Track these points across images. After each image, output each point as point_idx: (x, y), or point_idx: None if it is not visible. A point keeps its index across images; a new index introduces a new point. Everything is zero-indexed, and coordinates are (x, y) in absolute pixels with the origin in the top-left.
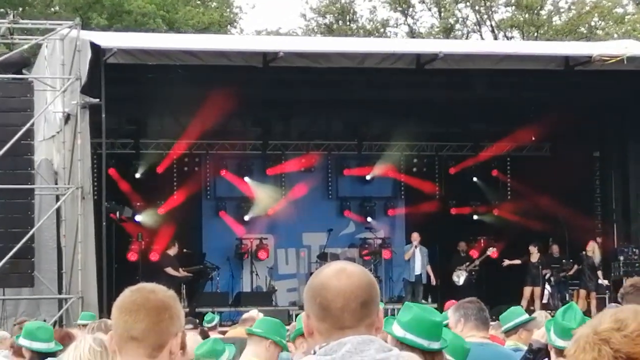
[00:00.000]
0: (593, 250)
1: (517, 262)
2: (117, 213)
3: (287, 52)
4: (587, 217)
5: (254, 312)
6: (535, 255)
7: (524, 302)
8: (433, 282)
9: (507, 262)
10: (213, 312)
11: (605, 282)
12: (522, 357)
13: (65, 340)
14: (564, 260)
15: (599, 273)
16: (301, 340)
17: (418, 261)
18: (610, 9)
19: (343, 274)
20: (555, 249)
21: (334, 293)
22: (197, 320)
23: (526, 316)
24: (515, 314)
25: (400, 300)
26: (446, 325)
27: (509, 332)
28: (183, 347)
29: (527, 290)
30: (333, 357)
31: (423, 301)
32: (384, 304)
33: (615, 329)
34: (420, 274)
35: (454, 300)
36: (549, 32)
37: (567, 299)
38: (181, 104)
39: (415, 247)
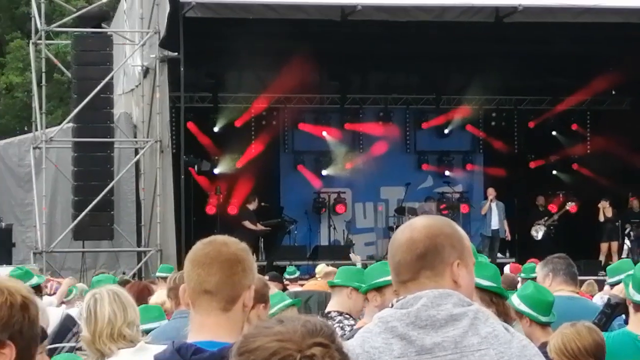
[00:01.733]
0: None
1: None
2: (196, 166)
3: (365, 6)
4: None
5: (320, 267)
6: (608, 210)
7: (602, 258)
8: (508, 237)
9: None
10: (291, 265)
11: None
12: (599, 312)
13: (144, 293)
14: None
15: None
16: (374, 293)
17: (495, 216)
18: None
19: (408, 228)
20: (635, 203)
21: (395, 247)
22: (278, 274)
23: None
24: (621, 269)
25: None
26: (534, 279)
27: (614, 285)
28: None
29: (603, 246)
30: (409, 311)
31: (500, 255)
32: None
33: None
34: (498, 229)
35: (535, 259)
36: None
37: None
38: (259, 58)
39: (491, 201)
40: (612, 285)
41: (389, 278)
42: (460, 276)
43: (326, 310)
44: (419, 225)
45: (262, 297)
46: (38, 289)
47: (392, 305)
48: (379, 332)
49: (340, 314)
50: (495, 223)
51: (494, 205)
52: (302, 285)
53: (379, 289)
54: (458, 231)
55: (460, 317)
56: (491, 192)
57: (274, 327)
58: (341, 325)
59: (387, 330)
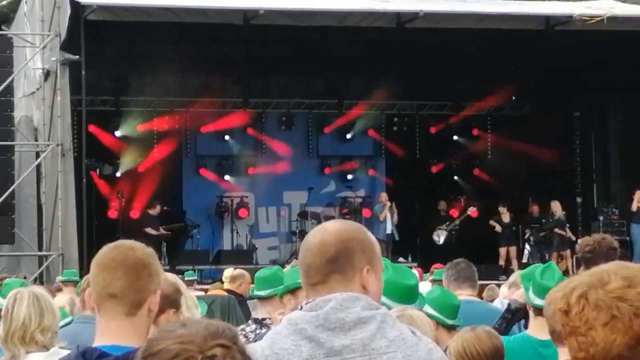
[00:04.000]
0: (557, 209)
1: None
2: (98, 170)
3: (268, 10)
4: (566, 177)
5: (228, 271)
6: (505, 215)
7: (502, 262)
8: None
9: (498, 226)
10: (193, 270)
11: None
12: (500, 317)
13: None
14: (543, 220)
15: (567, 230)
16: (289, 297)
17: (388, 220)
18: None
19: (320, 231)
20: (535, 208)
21: (305, 249)
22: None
23: None
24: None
25: None
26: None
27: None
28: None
29: (502, 251)
30: (318, 313)
31: (402, 259)
32: None
33: (626, 286)
34: (392, 233)
35: (439, 264)
36: None
37: (547, 258)
38: (162, 61)
39: (384, 206)
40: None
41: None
42: (369, 282)
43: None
44: (331, 229)
45: (173, 302)
46: None
47: (301, 308)
48: (288, 334)
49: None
50: (389, 227)
51: (387, 209)
52: (205, 291)
53: (293, 292)
54: (369, 237)
55: (369, 320)
56: (384, 197)
57: (177, 330)
58: None
59: (296, 332)
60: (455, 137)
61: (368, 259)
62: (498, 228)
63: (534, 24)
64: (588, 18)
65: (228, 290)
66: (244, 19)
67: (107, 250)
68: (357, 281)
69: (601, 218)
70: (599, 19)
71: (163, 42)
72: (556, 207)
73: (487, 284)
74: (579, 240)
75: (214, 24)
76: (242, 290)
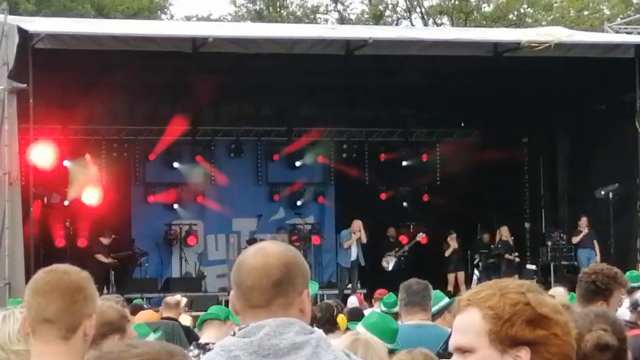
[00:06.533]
0: (505, 234)
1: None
2: (45, 199)
3: (217, 38)
4: (515, 203)
5: (178, 297)
6: (454, 241)
7: (450, 288)
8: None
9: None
10: (141, 298)
11: (533, 267)
12: (444, 341)
13: None
14: (492, 246)
15: (514, 255)
16: (231, 322)
17: (354, 247)
18: None
19: (260, 253)
20: (485, 235)
21: (246, 271)
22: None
23: (447, 299)
24: (437, 299)
25: (331, 286)
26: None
27: (434, 317)
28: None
29: (450, 277)
30: (252, 340)
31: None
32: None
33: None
34: (357, 259)
35: (383, 290)
36: (478, 19)
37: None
38: (110, 89)
39: (352, 233)
40: (433, 316)
41: None
42: (306, 305)
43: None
44: (273, 251)
45: (118, 329)
46: None
47: (234, 334)
48: None
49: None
50: (354, 254)
51: (355, 238)
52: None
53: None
54: (304, 261)
55: (303, 346)
56: (357, 225)
57: (136, 349)
58: None
59: (230, 359)
60: (404, 163)
61: (306, 283)
62: (447, 252)
63: (482, 50)
64: (536, 44)
65: (167, 317)
66: (192, 47)
67: (41, 275)
68: (297, 305)
69: (549, 243)
70: (547, 45)
71: (111, 70)
72: (505, 232)
73: None
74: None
75: (163, 52)
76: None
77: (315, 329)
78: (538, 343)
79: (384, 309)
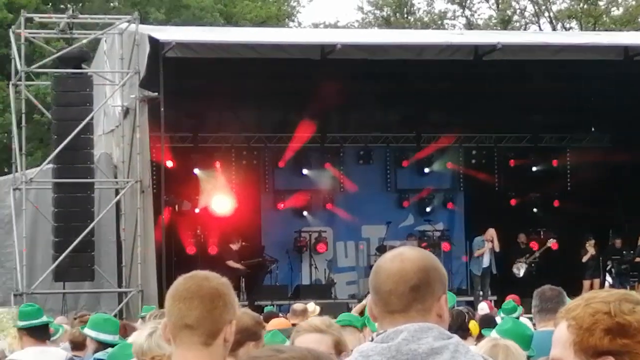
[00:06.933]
0: None
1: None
2: (177, 206)
3: (345, 44)
4: None
5: (310, 305)
6: (591, 247)
7: None
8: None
9: (585, 258)
10: (272, 305)
11: None
12: None
13: (124, 331)
14: (624, 252)
15: None
16: (368, 330)
17: (486, 255)
18: None
19: (398, 258)
20: (617, 241)
21: (384, 276)
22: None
23: None
24: None
25: (461, 293)
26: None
27: None
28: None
29: (586, 283)
30: (389, 345)
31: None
32: None
33: None
34: (489, 266)
35: (514, 296)
36: (607, 23)
37: (628, 290)
38: (240, 97)
39: (485, 241)
40: None
41: None
42: (444, 310)
43: None
44: (410, 256)
45: (253, 335)
46: (46, 329)
47: (372, 339)
48: None
49: None
50: (486, 261)
51: (490, 245)
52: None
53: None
54: (442, 266)
55: (441, 351)
56: (491, 233)
57: (283, 353)
58: None
59: None
60: (534, 169)
61: (444, 288)
62: (585, 258)
63: (612, 54)
64: None
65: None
66: (321, 53)
67: (182, 281)
68: (434, 311)
69: None
70: None
71: (240, 78)
72: None
73: None
74: None
75: (292, 59)
76: None
77: (454, 334)
78: (622, 352)
79: (502, 315)
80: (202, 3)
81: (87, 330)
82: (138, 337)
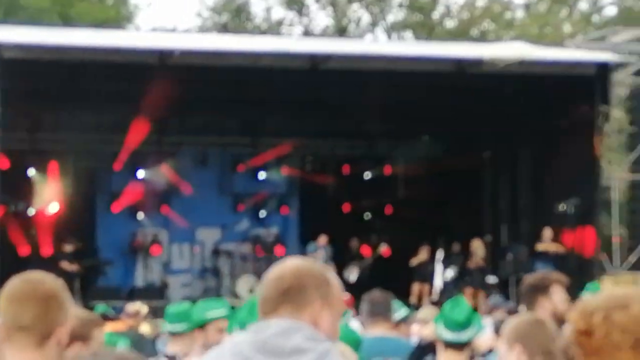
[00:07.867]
0: (477, 248)
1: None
2: (11, 207)
3: (183, 51)
4: (477, 216)
5: (137, 305)
6: (423, 253)
7: (414, 299)
8: None
9: (414, 261)
10: (106, 306)
11: (492, 278)
12: (409, 354)
13: None
14: (456, 257)
15: (485, 270)
16: (199, 331)
17: (321, 260)
18: (501, 12)
19: (280, 267)
20: (450, 246)
21: (263, 283)
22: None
23: (404, 311)
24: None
25: None
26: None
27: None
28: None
29: (415, 287)
30: (259, 336)
31: None
32: None
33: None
34: None
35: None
36: (441, 35)
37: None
38: (76, 99)
39: (318, 247)
40: None
41: (211, 315)
42: (321, 317)
43: None
44: (289, 265)
45: (81, 336)
46: None
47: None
48: (229, 355)
49: None
50: None
51: (323, 250)
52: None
53: (203, 327)
54: (327, 276)
55: (307, 351)
56: (324, 240)
57: (111, 355)
58: None
59: (236, 353)
60: (367, 175)
61: (322, 295)
62: (414, 262)
63: (446, 66)
64: (499, 60)
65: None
66: (159, 59)
67: (16, 283)
68: (308, 314)
69: (510, 256)
70: (511, 61)
71: (78, 80)
72: (477, 245)
73: None
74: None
75: (129, 64)
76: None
77: (328, 341)
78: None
79: None
80: (40, 4)
81: None
82: None
